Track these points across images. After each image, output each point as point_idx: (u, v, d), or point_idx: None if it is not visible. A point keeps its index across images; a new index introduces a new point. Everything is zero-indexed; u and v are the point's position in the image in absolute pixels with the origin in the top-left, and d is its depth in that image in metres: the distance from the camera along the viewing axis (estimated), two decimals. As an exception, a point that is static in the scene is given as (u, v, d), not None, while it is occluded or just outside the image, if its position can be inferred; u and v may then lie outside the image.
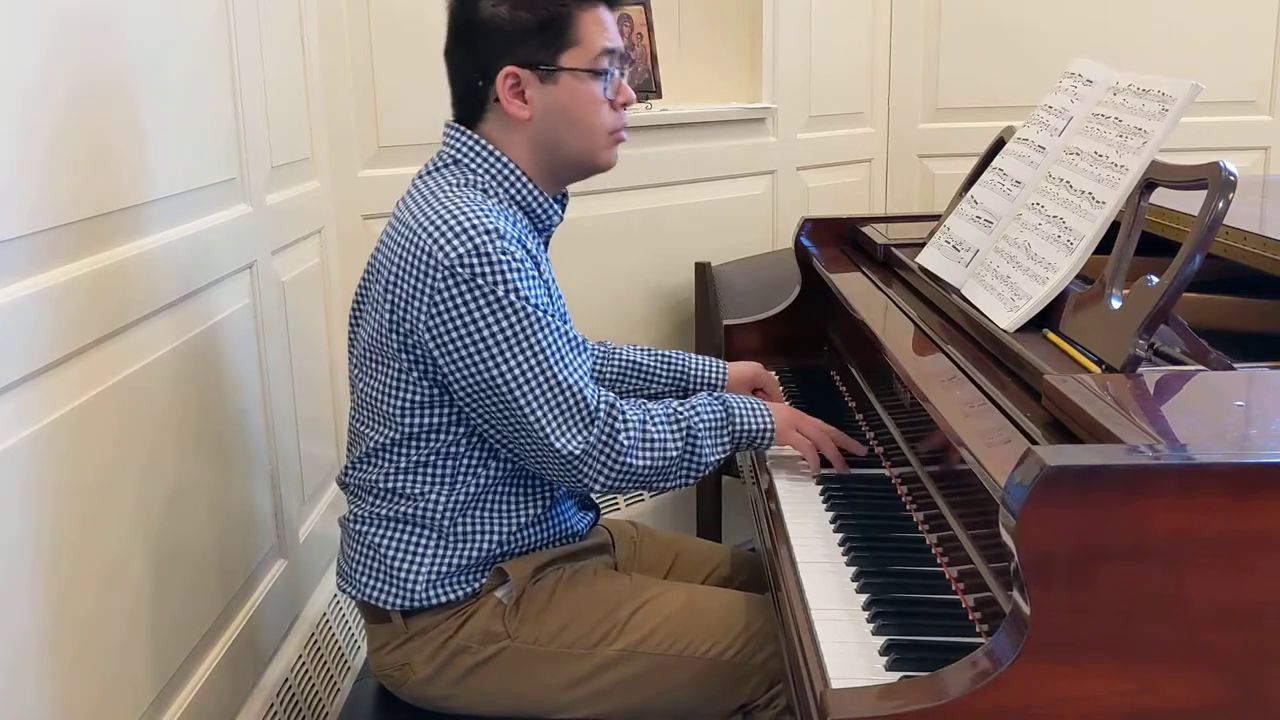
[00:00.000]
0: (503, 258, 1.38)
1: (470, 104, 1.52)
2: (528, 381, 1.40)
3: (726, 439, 1.54)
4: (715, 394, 1.58)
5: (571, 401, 1.42)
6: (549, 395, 1.40)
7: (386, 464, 1.52)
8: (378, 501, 1.53)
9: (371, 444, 1.52)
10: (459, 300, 1.38)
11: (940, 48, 3.43)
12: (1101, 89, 1.58)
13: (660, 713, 1.51)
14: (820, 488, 1.57)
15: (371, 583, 1.53)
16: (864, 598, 1.25)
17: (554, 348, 1.41)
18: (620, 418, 1.45)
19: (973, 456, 1.15)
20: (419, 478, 1.51)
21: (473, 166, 1.50)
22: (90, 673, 1.33)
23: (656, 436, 1.47)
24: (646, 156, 2.83)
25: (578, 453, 1.42)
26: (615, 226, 2.80)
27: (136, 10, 1.50)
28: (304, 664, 2.00)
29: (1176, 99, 1.40)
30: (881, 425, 1.66)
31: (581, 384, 1.43)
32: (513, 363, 1.39)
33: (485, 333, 1.38)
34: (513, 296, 1.38)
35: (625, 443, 1.44)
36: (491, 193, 1.49)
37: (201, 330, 1.66)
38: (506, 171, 1.50)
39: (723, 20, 3.17)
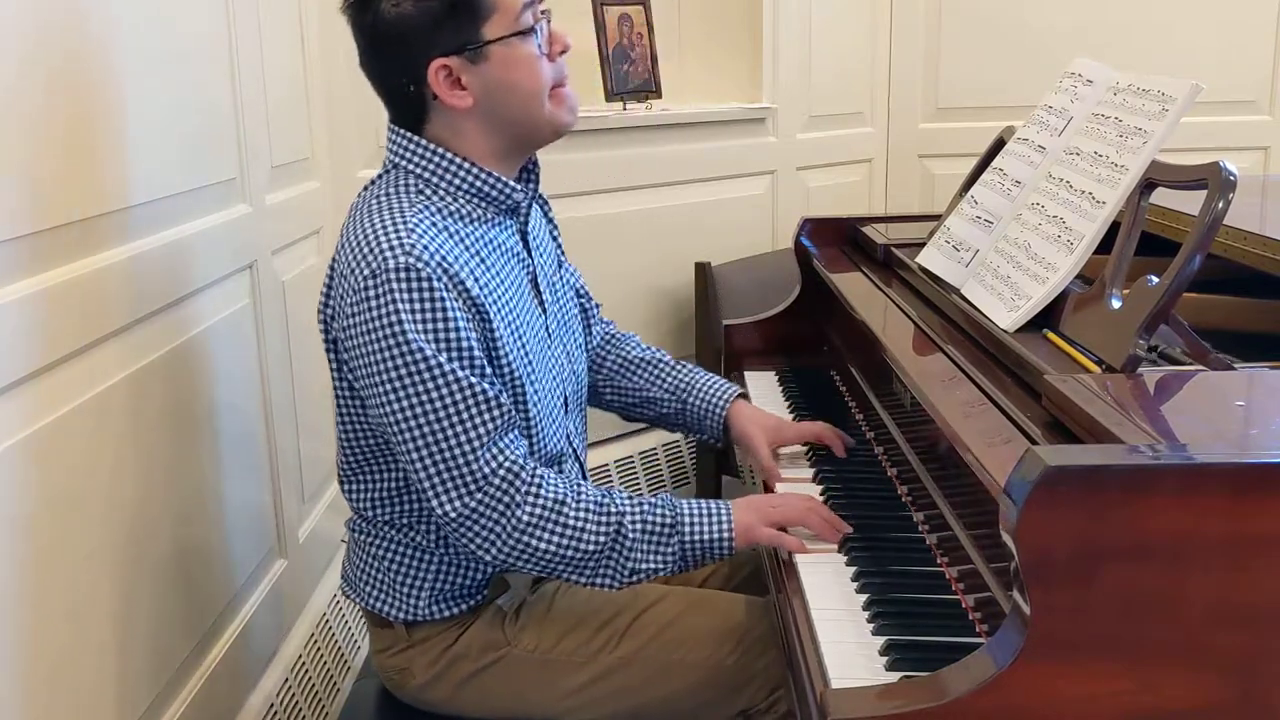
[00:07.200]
0: (403, 286, 1.30)
1: (409, 109, 1.44)
2: (411, 431, 1.33)
3: (672, 550, 1.38)
4: (669, 498, 1.42)
5: (453, 463, 1.32)
6: (431, 452, 1.33)
7: (360, 489, 1.50)
8: (371, 524, 1.52)
9: (341, 462, 1.51)
10: (360, 324, 1.33)
11: (940, 48, 3.43)
12: (1101, 89, 1.58)
13: (660, 717, 1.51)
14: (820, 487, 1.57)
15: (375, 593, 1.52)
16: (864, 598, 1.25)
17: (445, 401, 1.32)
18: (524, 489, 1.34)
19: (973, 456, 1.14)
20: (396, 509, 1.49)
21: (411, 168, 1.43)
22: (88, 673, 1.33)
23: (573, 522, 1.35)
24: (646, 156, 2.83)
25: (454, 516, 1.34)
26: (615, 226, 2.80)
27: (134, 10, 1.50)
28: (304, 664, 2.00)
29: (1176, 99, 1.40)
30: (881, 425, 1.66)
31: (472, 446, 1.32)
32: (398, 408, 1.32)
33: (379, 368, 1.32)
34: (406, 338, 1.30)
35: (524, 518, 1.34)
36: (435, 187, 1.42)
37: (201, 330, 1.66)
38: (446, 163, 1.42)
39: (723, 20, 3.17)
